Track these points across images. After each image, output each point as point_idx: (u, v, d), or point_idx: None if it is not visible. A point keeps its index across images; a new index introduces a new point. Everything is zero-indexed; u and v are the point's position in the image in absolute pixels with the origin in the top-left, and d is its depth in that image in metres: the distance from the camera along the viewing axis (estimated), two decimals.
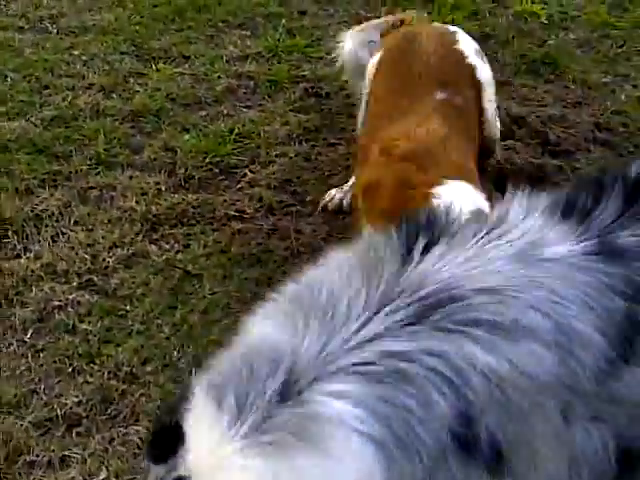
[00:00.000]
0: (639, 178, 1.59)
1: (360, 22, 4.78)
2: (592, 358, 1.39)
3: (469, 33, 4.64)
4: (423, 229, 1.45)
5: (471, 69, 3.21)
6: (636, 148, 3.87)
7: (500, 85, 4.24)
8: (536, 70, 4.48)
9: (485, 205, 2.69)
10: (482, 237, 1.45)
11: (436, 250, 1.42)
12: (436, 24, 3.53)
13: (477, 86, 3.22)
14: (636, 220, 1.50)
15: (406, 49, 3.18)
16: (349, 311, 1.35)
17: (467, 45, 3.27)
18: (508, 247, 1.44)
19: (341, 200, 3.34)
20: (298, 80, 4.19)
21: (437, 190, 2.64)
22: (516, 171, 3.50)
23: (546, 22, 4.96)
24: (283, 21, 4.66)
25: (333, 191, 3.39)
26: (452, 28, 3.41)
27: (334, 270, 1.45)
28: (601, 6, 5.15)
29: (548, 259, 1.43)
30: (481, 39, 4.64)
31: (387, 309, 1.34)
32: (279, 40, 4.49)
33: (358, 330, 1.33)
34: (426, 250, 1.42)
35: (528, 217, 1.49)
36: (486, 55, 4.51)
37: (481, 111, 3.21)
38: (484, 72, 3.27)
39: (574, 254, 1.44)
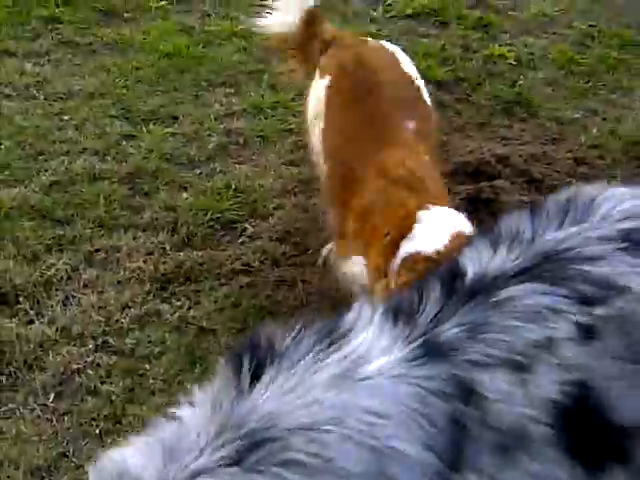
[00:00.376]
0: (454, 267, 1.59)
1: None
2: (418, 477, 1.36)
3: (444, 79, 4.88)
4: (256, 353, 1.43)
5: (420, 91, 3.34)
6: (614, 179, 4.05)
7: (479, 126, 4.45)
8: (510, 110, 4.67)
9: (469, 227, 2.88)
10: (317, 353, 1.43)
11: (266, 376, 1.40)
12: (371, 41, 3.55)
13: (425, 103, 3.34)
14: (456, 309, 1.49)
15: (359, 75, 3.24)
16: (191, 442, 1.35)
17: (409, 65, 3.41)
18: (334, 367, 1.41)
19: None
20: (286, 134, 4.33)
21: (421, 213, 2.83)
22: (506, 210, 3.63)
23: (515, 63, 5.18)
24: (265, 77, 4.81)
25: (330, 245, 3.49)
26: (389, 46, 3.48)
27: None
28: (565, 45, 5.40)
29: (369, 377, 1.42)
30: (454, 83, 4.88)
31: (216, 443, 1.33)
32: (263, 96, 4.63)
33: (188, 465, 1.33)
34: (256, 377, 1.40)
35: (366, 327, 1.49)
36: (461, 98, 4.75)
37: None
38: (425, 92, 3.40)
39: (397, 363, 1.43)
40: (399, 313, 1.51)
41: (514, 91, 4.82)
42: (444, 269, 1.62)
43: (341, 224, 3.09)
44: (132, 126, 4.33)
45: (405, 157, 3.00)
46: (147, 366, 2.94)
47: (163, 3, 5.76)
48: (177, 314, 3.16)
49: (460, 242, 2.75)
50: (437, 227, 2.82)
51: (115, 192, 3.80)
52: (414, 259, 2.73)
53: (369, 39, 3.55)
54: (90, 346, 3.03)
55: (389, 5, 5.92)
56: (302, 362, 1.42)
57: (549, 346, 1.48)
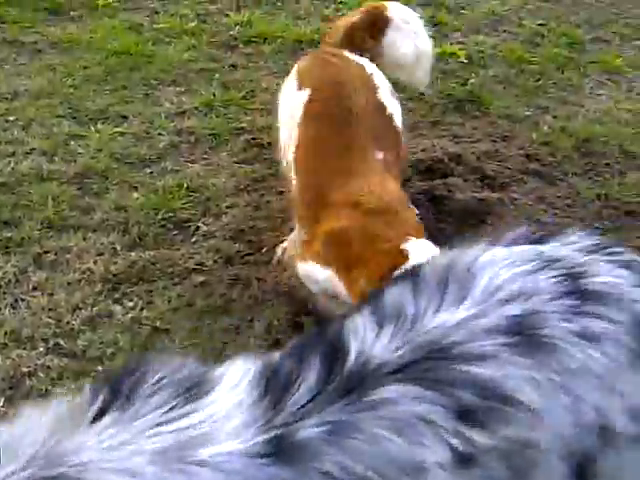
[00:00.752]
0: (338, 340, 1.40)
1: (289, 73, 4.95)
2: None
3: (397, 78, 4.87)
4: (114, 391, 1.25)
5: (391, 118, 3.32)
6: (565, 175, 4.10)
7: (432, 124, 4.46)
8: (462, 108, 4.69)
9: None
10: (166, 412, 1.24)
11: (107, 419, 1.22)
12: (353, 59, 3.44)
13: (396, 132, 3.32)
14: (326, 403, 1.28)
15: (337, 99, 3.22)
16: None
17: (385, 89, 3.38)
18: (172, 437, 1.21)
19: None
20: (238, 132, 4.28)
21: (406, 246, 2.82)
22: (461, 207, 3.65)
23: (466, 61, 5.20)
24: (217, 75, 4.76)
25: (284, 244, 3.47)
26: (368, 66, 3.42)
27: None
28: (515, 43, 5.45)
29: (201, 463, 1.19)
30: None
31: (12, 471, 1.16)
32: (214, 94, 4.58)
33: None
34: (99, 416, 1.23)
35: (230, 390, 1.30)
36: (414, 97, 4.75)
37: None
38: (398, 116, 3.38)
39: (239, 456, 1.21)
40: (272, 383, 1.30)
41: (466, 89, 4.84)
42: (329, 337, 1.41)
43: (309, 234, 3.06)
44: (80, 126, 4.24)
45: (379, 188, 2.99)
46: (99, 368, 2.87)
47: (110, 0, 5.68)
48: (129, 315, 3.09)
49: None
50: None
51: (64, 193, 3.72)
52: None
53: (352, 56, 3.45)
54: (41, 349, 2.95)
55: (340, 3, 5.92)
56: (145, 418, 1.22)
57: (416, 472, 1.27)
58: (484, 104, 4.72)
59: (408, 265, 2.74)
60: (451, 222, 3.62)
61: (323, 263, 2.94)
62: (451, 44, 5.36)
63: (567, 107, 4.79)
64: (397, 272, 2.72)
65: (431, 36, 5.42)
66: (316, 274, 2.97)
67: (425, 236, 3.22)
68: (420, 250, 2.81)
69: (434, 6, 5.94)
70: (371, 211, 2.92)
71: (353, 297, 2.85)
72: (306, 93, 3.29)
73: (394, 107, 3.37)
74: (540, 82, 5.02)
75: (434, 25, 5.61)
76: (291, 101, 3.35)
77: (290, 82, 3.44)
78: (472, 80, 4.97)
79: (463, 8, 5.99)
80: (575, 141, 4.38)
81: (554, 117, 4.68)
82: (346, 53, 3.48)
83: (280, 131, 3.40)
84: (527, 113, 4.70)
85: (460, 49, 5.31)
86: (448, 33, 5.57)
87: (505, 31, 5.67)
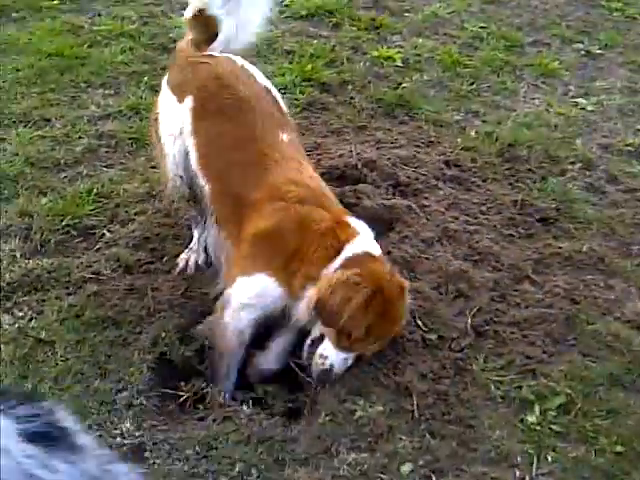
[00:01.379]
0: None
1: None
2: None
3: (329, 81, 4.84)
4: None
5: (277, 101, 3.29)
6: (484, 182, 4.07)
7: (357, 129, 4.44)
8: (391, 113, 4.67)
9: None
10: None
11: None
12: (219, 56, 3.34)
13: (286, 116, 3.28)
14: None
15: (223, 94, 3.16)
16: None
17: (261, 76, 3.34)
18: None
19: (196, 261, 3.42)
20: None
21: (347, 219, 2.88)
22: (369, 214, 3.62)
23: (401, 65, 5.18)
24: (145, 78, 4.74)
25: (184, 255, 3.46)
26: (236, 59, 3.35)
27: None
28: (452, 46, 5.42)
29: None
30: (339, 86, 4.85)
31: None
32: (142, 97, 4.56)
33: None
34: None
35: None
36: (344, 101, 4.72)
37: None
38: (281, 99, 3.35)
39: None
40: None
41: (397, 93, 4.81)
42: None
43: (236, 245, 3.02)
44: (1, 129, 4.23)
45: (294, 174, 2.97)
46: None
47: (55, 2, 5.67)
48: (17, 325, 3.07)
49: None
50: (370, 235, 2.91)
51: None
52: (360, 257, 2.81)
53: (215, 53, 3.38)
54: None
55: (286, 6, 5.88)
56: None
57: None
58: (413, 109, 4.70)
59: (359, 237, 2.82)
60: None
61: (260, 269, 2.88)
62: (389, 48, 5.33)
63: (498, 111, 4.77)
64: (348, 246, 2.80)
65: (371, 39, 5.49)
66: (255, 283, 2.88)
67: None
68: (361, 224, 2.86)
69: (378, 9, 5.92)
70: (299, 200, 2.89)
71: (291, 293, 2.83)
72: (189, 100, 3.21)
73: (275, 90, 3.34)
74: (474, 86, 4.99)
75: (375, 28, 5.62)
76: (175, 114, 3.25)
77: (167, 97, 3.34)
78: (405, 84, 4.94)
79: (407, 11, 5.96)
80: (500, 146, 4.36)
81: (483, 122, 4.66)
82: (209, 52, 3.39)
83: (165, 146, 3.31)
84: (456, 118, 4.68)
85: (397, 52, 5.28)
86: (388, 36, 5.55)
87: (445, 34, 5.64)
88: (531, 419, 2.77)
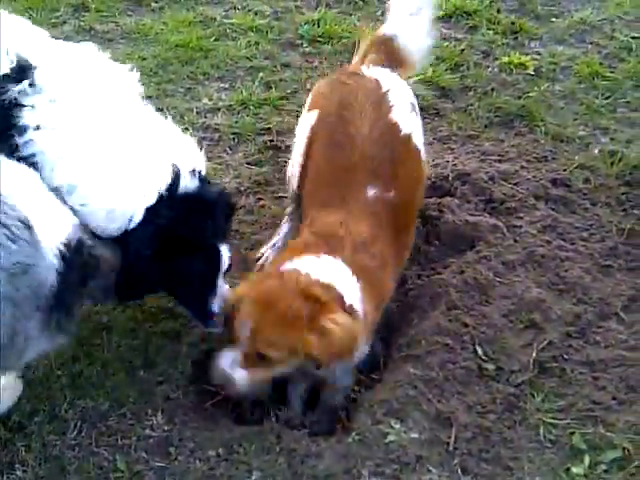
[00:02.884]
0: None
1: None
2: None
3: (449, 85, 4.65)
4: None
5: (407, 138, 3.11)
6: (593, 205, 3.76)
7: (465, 139, 4.23)
8: (509, 123, 4.42)
9: (359, 315, 2.65)
10: None
11: None
12: (367, 77, 3.27)
13: (411, 153, 3.13)
14: None
15: (341, 122, 3.09)
16: None
17: (401, 107, 3.16)
18: None
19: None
20: (261, 133, 4.26)
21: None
22: (449, 230, 3.45)
23: (533, 74, 4.89)
24: (261, 74, 4.75)
25: (264, 250, 3.46)
26: (386, 82, 3.23)
27: None
28: (595, 56, 5.05)
29: None
30: (459, 91, 4.65)
31: None
32: (253, 93, 4.58)
33: None
34: None
35: None
36: (460, 108, 4.52)
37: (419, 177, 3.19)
38: (418, 136, 3.19)
39: None
40: None
41: (519, 103, 4.54)
42: None
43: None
44: None
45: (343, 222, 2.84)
46: None
47: None
48: (83, 308, 3.15)
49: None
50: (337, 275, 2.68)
51: None
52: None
53: (370, 72, 3.31)
54: None
55: None
56: None
57: None
58: (534, 121, 4.41)
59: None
60: (437, 244, 3.43)
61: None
62: (523, 54, 5.04)
63: (631, 130, 4.38)
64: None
65: (505, 44, 5.22)
66: None
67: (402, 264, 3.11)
68: (339, 270, 2.68)
69: (522, 13, 5.62)
70: (321, 235, 2.81)
71: None
72: (313, 115, 3.22)
73: (412, 126, 3.16)
74: (609, 100, 4.62)
75: (513, 33, 5.35)
76: (302, 121, 3.31)
77: (307, 102, 3.40)
78: (531, 94, 4.66)
79: (555, 16, 5.62)
80: (622, 168, 4.01)
81: (611, 139, 4.31)
82: (364, 70, 3.36)
83: (294, 148, 3.36)
84: (581, 133, 4.35)
85: (531, 60, 4.99)
86: (525, 42, 5.25)
87: (591, 43, 5.26)
88: (577, 470, 2.53)
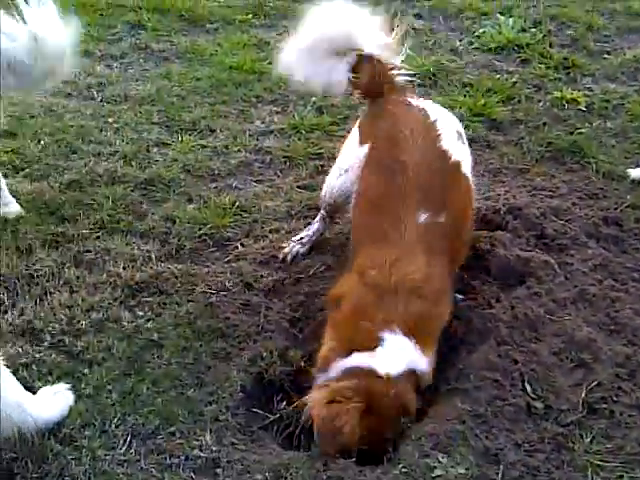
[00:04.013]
0: None
1: None
2: None
3: (501, 118, 4.66)
4: None
5: (456, 166, 3.15)
6: None
7: (517, 172, 4.24)
8: (560, 159, 4.41)
9: (424, 366, 2.78)
10: None
11: None
12: (414, 106, 3.33)
13: (460, 180, 3.17)
14: None
15: (389, 152, 3.14)
16: None
17: (449, 135, 3.20)
18: None
19: (297, 252, 3.55)
20: (313, 157, 4.30)
21: (381, 335, 2.75)
22: (501, 265, 3.44)
23: (584, 109, 4.89)
24: (314, 99, 4.80)
25: (292, 243, 3.59)
26: (432, 112, 3.29)
27: None
28: None
29: None
30: (510, 124, 4.67)
31: None
32: (305, 117, 4.63)
33: None
34: None
35: None
36: (511, 141, 4.52)
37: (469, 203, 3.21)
38: (466, 164, 3.23)
39: None
40: None
41: (571, 138, 4.54)
42: None
43: None
44: (169, 134, 4.45)
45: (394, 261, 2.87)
46: (86, 370, 3.00)
47: (249, 17, 5.88)
48: (134, 323, 3.21)
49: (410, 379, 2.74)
50: (396, 355, 2.75)
51: (126, 197, 3.92)
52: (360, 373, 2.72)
53: (415, 101, 3.38)
54: (45, 343, 3.12)
55: (477, 37, 5.77)
56: None
57: None
58: (586, 157, 4.41)
59: (374, 355, 2.71)
60: (486, 279, 3.43)
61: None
62: (575, 90, 5.04)
63: None
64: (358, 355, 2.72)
65: (557, 79, 5.22)
66: None
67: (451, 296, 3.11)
68: (395, 345, 2.73)
69: (574, 48, 5.63)
70: (372, 286, 2.84)
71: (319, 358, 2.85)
72: (366, 147, 3.27)
73: (461, 154, 3.20)
74: None
75: (565, 68, 5.36)
76: (351, 151, 3.38)
77: (353, 136, 3.45)
78: (583, 130, 4.66)
79: (607, 53, 5.63)
80: None
81: None
82: (409, 99, 3.41)
83: (332, 172, 3.53)
84: None
85: (583, 96, 4.99)
86: (577, 78, 5.26)
87: None
88: None
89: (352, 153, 3.37)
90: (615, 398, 2.90)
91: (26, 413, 2.68)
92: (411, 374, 2.75)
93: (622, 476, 2.63)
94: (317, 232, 3.63)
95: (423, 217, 2.96)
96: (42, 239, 3.63)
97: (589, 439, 2.76)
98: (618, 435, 2.78)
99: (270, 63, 5.22)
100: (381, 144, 3.22)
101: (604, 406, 2.87)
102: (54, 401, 2.82)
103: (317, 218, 3.67)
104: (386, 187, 3.08)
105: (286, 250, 3.56)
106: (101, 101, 4.75)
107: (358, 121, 3.56)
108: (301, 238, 3.60)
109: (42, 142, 4.30)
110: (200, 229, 3.73)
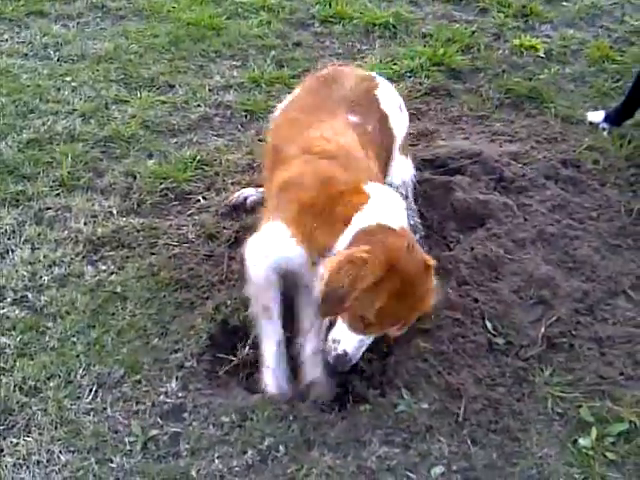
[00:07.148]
0: None
1: (354, 55, 4.89)
2: None
3: (460, 67, 4.67)
4: None
5: (385, 117, 3.19)
6: (602, 186, 3.79)
7: (476, 119, 4.25)
8: (520, 105, 4.44)
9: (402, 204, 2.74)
10: None
11: None
12: (362, 72, 3.48)
13: (390, 134, 3.21)
14: None
15: (326, 82, 3.22)
16: None
17: (385, 94, 3.26)
18: None
19: (245, 198, 3.55)
20: (272, 110, 4.25)
21: (364, 187, 2.66)
22: (460, 207, 3.48)
23: (543, 56, 4.91)
24: (273, 52, 4.78)
25: (244, 190, 3.59)
26: (377, 77, 3.37)
27: None
28: (605, 40, 5.07)
29: None
30: (469, 73, 4.68)
31: None
32: (265, 71, 4.60)
33: None
34: None
35: None
36: (470, 89, 4.54)
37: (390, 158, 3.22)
38: (399, 122, 3.26)
39: None
40: None
41: (530, 85, 4.57)
42: None
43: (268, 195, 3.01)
44: (127, 91, 4.40)
45: (336, 133, 2.86)
46: (50, 324, 3.00)
47: None
48: (97, 277, 3.20)
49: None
50: (390, 204, 2.67)
51: (85, 154, 3.88)
52: (373, 230, 2.56)
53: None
54: (8, 299, 3.11)
55: None
56: None
57: None
58: (545, 102, 4.44)
59: (370, 205, 2.60)
60: (447, 221, 3.46)
61: (276, 218, 2.73)
62: (534, 37, 5.06)
63: None
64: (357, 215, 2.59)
65: (516, 27, 5.23)
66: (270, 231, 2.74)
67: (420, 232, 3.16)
68: (381, 191, 2.67)
69: None
70: (326, 155, 2.76)
71: (310, 251, 2.65)
72: (295, 91, 3.38)
73: (392, 110, 3.24)
74: (619, 83, 4.65)
75: (524, 16, 5.37)
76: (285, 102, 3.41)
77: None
78: (542, 76, 4.69)
79: (567, 0, 5.64)
80: (632, 150, 4.04)
81: None
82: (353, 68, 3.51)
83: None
84: None
85: (542, 42, 5.01)
86: (536, 25, 5.28)
87: (601, 26, 5.29)
88: (585, 442, 2.56)
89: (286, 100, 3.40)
90: (574, 332, 2.97)
91: None
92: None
93: (581, 405, 2.70)
94: None
95: (353, 119, 3.00)
96: (2, 198, 3.59)
97: (549, 372, 2.82)
98: (577, 367, 2.84)
99: (228, 18, 5.20)
100: (312, 86, 3.29)
101: (563, 340, 2.94)
102: None
103: None
104: (319, 99, 3.12)
105: (233, 198, 3.57)
106: (58, 60, 4.67)
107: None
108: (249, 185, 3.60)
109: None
110: (161, 184, 3.72)
